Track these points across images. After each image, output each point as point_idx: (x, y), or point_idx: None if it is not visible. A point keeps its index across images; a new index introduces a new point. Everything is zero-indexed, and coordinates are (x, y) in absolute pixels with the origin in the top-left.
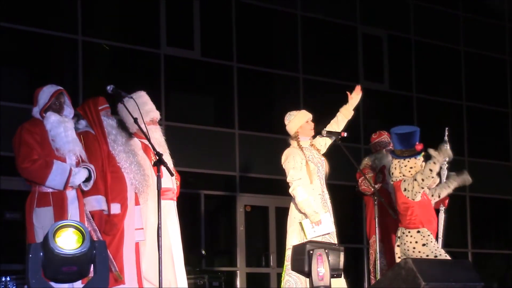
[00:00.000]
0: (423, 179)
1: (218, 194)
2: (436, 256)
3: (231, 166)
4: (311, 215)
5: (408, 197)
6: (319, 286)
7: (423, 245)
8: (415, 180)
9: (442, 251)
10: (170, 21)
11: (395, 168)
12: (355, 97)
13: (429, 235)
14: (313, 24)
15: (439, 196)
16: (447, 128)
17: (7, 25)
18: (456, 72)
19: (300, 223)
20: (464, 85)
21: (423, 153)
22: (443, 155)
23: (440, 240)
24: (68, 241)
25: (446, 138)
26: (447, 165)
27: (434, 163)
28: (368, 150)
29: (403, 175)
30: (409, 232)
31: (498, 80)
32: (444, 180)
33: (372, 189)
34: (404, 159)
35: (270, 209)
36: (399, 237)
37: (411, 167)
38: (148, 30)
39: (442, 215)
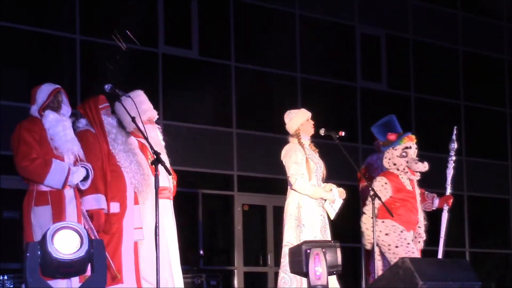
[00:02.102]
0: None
1: (216, 193)
2: (397, 247)
3: (229, 165)
4: (328, 196)
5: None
6: (316, 286)
7: (386, 234)
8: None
9: (409, 243)
10: (168, 20)
11: (383, 159)
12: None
13: (393, 226)
14: (311, 23)
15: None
16: (455, 127)
17: (6, 24)
18: (454, 71)
19: (324, 207)
20: (462, 85)
21: (405, 140)
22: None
23: (442, 240)
24: (66, 245)
25: (454, 137)
26: (454, 164)
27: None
28: (367, 150)
29: (385, 167)
30: (376, 221)
31: (496, 79)
32: (449, 182)
33: (370, 189)
34: (385, 151)
35: (268, 208)
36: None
37: (389, 158)
38: (146, 29)
39: (445, 215)
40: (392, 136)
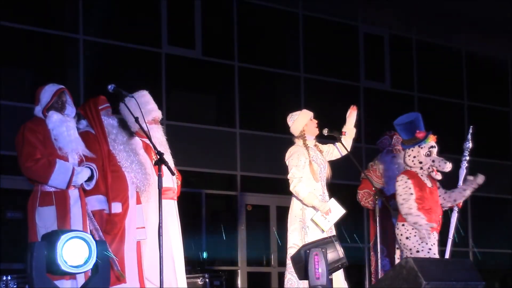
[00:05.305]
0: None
1: (220, 193)
2: (418, 252)
3: (232, 165)
4: (320, 206)
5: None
6: (316, 286)
7: (407, 238)
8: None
9: (431, 249)
10: (171, 20)
11: (405, 157)
12: (353, 114)
13: (414, 229)
14: (314, 23)
15: (455, 201)
16: (471, 126)
17: (8, 24)
18: (457, 71)
19: (312, 220)
20: (465, 84)
21: (430, 139)
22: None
23: (450, 240)
24: (74, 257)
25: (469, 136)
26: (466, 164)
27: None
28: (370, 149)
29: (407, 165)
30: (397, 224)
31: (499, 79)
32: (461, 182)
33: (374, 189)
34: (409, 149)
35: (271, 208)
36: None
37: (414, 156)
38: (149, 29)
39: (455, 215)
40: (421, 134)
